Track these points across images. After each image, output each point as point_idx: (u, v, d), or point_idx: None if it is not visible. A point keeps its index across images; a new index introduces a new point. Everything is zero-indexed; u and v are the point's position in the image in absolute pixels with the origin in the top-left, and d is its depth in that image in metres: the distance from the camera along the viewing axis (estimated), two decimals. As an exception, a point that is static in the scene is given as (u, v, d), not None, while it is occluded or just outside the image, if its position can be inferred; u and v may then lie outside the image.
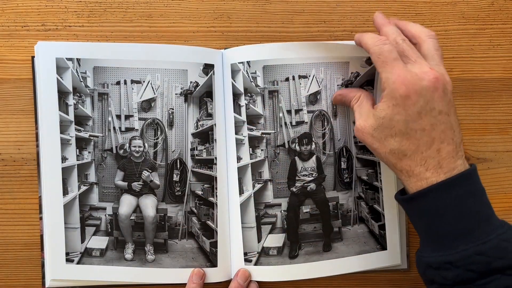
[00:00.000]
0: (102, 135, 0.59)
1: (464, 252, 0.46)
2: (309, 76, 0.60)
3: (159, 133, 0.59)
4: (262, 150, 0.60)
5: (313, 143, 0.61)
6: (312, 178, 0.60)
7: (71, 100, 0.58)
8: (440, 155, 0.48)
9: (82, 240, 0.58)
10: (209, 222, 0.60)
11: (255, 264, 0.59)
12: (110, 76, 0.58)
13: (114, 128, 0.59)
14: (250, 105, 0.59)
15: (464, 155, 0.50)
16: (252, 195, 0.60)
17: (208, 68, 0.59)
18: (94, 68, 0.58)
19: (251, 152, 0.59)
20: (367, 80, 0.61)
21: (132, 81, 0.58)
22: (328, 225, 0.61)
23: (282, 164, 0.60)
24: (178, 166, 0.60)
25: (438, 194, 0.47)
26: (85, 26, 0.61)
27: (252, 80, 0.59)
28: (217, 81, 0.59)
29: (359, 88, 0.60)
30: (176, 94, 0.59)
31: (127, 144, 0.59)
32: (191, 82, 0.59)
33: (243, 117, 0.59)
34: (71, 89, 0.58)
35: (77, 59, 0.57)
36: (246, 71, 0.59)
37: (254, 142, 0.59)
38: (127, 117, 0.59)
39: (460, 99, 0.64)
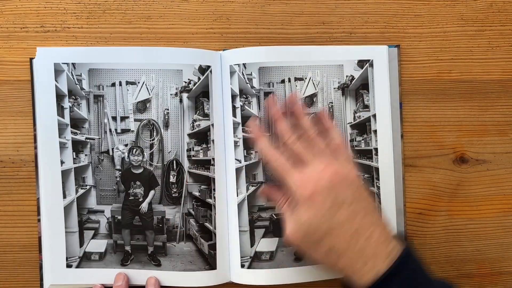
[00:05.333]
0: (98, 137, 0.59)
1: None
2: (305, 78, 0.60)
3: (154, 134, 0.59)
4: (256, 152, 0.59)
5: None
6: None
7: (66, 103, 0.58)
8: (370, 244, 0.48)
9: (81, 244, 0.59)
10: (207, 224, 0.59)
11: (248, 268, 0.59)
12: (105, 78, 0.58)
13: (110, 130, 0.59)
14: (245, 106, 0.59)
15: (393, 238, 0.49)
16: (246, 198, 0.59)
17: (204, 68, 0.58)
18: (89, 70, 0.58)
19: (245, 154, 0.59)
20: (362, 83, 0.61)
21: (127, 82, 0.58)
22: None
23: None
24: (175, 167, 0.60)
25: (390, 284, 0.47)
26: (84, 27, 0.61)
27: (247, 82, 0.59)
28: (216, 82, 0.59)
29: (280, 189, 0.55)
30: (171, 94, 0.59)
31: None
32: (188, 80, 0.59)
33: (238, 118, 0.59)
34: (66, 92, 0.58)
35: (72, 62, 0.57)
36: (242, 72, 0.59)
37: (248, 144, 0.59)
38: (123, 118, 0.59)
39: (459, 101, 0.64)
